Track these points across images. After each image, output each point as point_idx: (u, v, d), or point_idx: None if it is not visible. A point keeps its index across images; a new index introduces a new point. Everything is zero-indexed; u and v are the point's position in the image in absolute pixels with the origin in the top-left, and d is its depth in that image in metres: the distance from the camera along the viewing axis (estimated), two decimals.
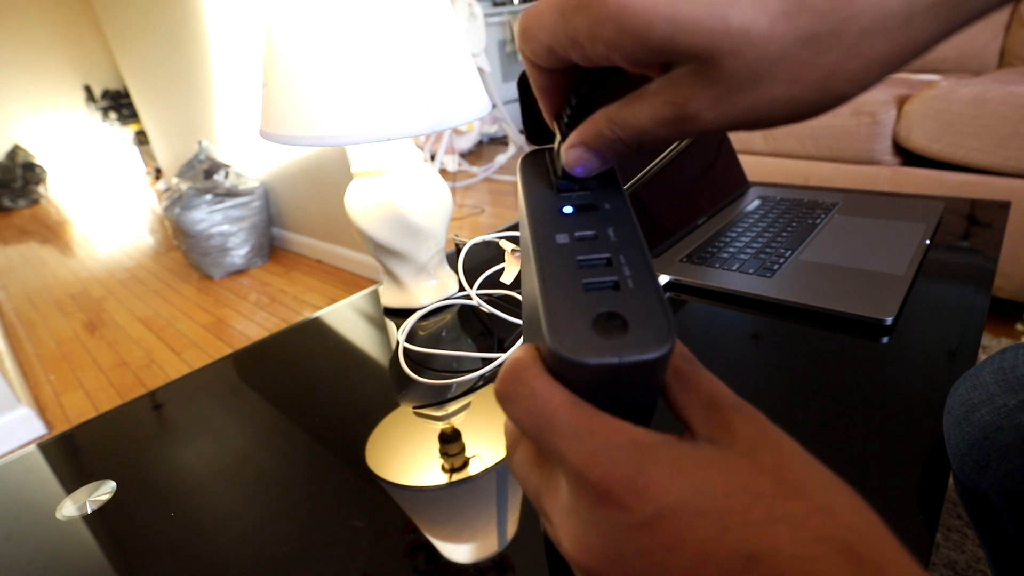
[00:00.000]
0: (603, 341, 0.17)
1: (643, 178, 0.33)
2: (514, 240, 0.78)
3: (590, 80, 0.21)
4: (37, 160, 4.56)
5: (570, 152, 0.21)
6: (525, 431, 0.19)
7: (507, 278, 0.66)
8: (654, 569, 0.16)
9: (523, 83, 0.26)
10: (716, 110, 0.17)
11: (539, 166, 0.24)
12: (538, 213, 0.21)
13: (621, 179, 0.23)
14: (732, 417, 0.18)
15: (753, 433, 0.18)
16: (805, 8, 0.15)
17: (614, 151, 0.20)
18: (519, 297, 0.67)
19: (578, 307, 0.18)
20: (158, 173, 4.45)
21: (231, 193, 2.23)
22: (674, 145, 0.28)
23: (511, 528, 0.37)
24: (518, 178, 0.23)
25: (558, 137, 0.22)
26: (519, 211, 0.24)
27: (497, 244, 0.83)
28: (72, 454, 0.50)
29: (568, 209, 0.22)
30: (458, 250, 0.74)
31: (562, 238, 0.20)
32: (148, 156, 4.81)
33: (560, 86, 0.22)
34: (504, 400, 0.19)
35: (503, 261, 0.76)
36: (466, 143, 3.40)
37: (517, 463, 0.21)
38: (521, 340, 0.57)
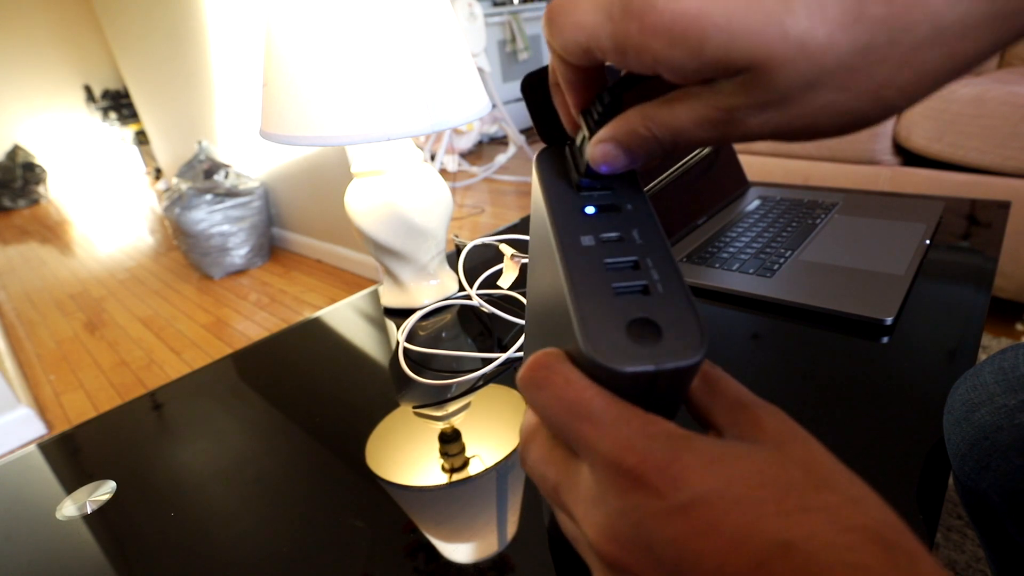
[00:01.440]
0: (639, 348, 0.17)
1: (662, 182, 0.33)
2: (513, 244, 0.78)
3: (628, 81, 0.20)
4: (37, 160, 4.56)
5: (598, 148, 0.20)
6: (550, 418, 0.19)
7: (505, 282, 0.66)
8: (685, 557, 0.16)
9: (528, 84, 0.25)
10: (763, 117, 0.17)
11: (557, 163, 0.23)
12: (560, 213, 0.21)
13: (639, 177, 0.23)
14: (760, 415, 0.19)
15: (781, 429, 0.18)
16: (862, 18, 0.15)
17: (646, 150, 0.20)
18: (519, 297, 0.67)
19: (610, 312, 0.18)
20: (158, 173, 4.45)
21: (231, 193, 2.23)
22: (699, 150, 0.28)
23: (511, 528, 0.37)
24: (534, 175, 0.23)
25: (583, 132, 0.22)
26: (533, 208, 0.23)
27: (497, 246, 0.83)
28: (72, 454, 0.50)
29: (591, 209, 0.21)
30: (458, 250, 0.74)
31: (587, 240, 0.20)
32: (148, 156, 4.81)
33: (590, 81, 0.21)
34: (531, 387, 0.19)
35: (503, 261, 0.76)
36: (466, 143, 3.40)
37: (532, 461, 0.21)
38: (523, 340, 0.57)
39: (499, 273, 0.73)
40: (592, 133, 0.21)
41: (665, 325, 0.18)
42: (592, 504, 0.18)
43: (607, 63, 0.19)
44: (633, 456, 0.17)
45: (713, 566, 0.15)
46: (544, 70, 0.25)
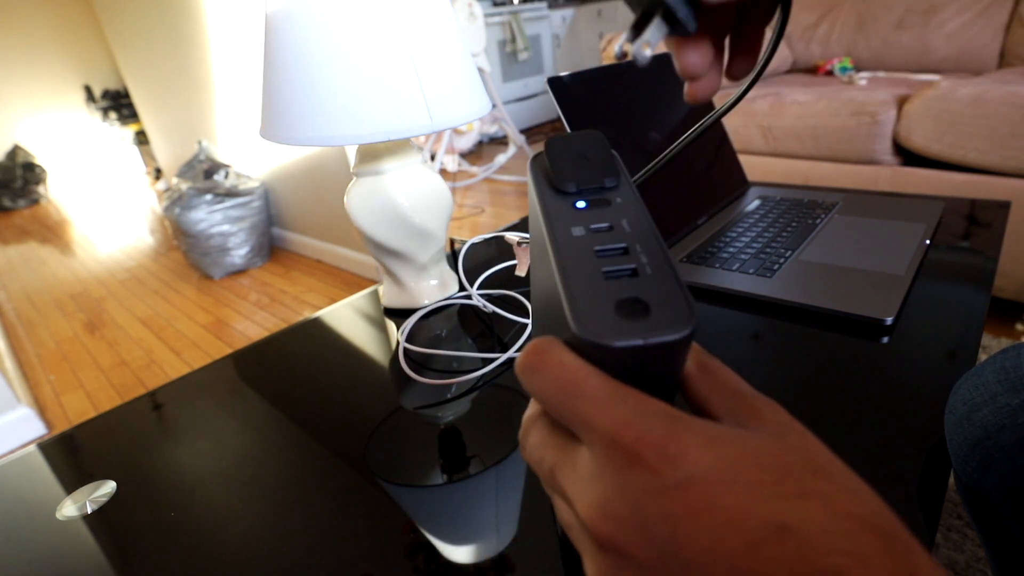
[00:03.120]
0: (627, 324, 0.17)
1: (651, 171, 0.33)
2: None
3: None
4: (37, 160, 4.56)
5: None
6: (548, 401, 0.19)
7: (521, 270, 0.66)
8: (679, 536, 0.15)
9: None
10: None
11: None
12: (552, 208, 0.22)
13: (629, 175, 0.24)
14: (758, 405, 0.19)
15: (780, 420, 0.18)
16: None
17: None
18: (519, 297, 0.67)
19: (599, 294, 0.18)
20: (158, 173, 4.45)
21: (231, 193, 2.22)
22: (684, 137, 0.28)
23: (511, 528, 0.37)
24: (529, 177, 0.24)
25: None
26: (530, 210, 0.24)
27: (497, 242, 0.83)
28: (72, 454, 0.50)
29: (581, 204, 0.22)
30: (458, 251, 0.74)
31: (578, 230, 0.21)
32: (148, 156, 4.81)
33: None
34: (529, 372, 0.19)
35: (504, 260, 0.76)
36: (466, 143, 3.40)
37: (531, 446, 0.21)
38: (524, 339, 0.57)
39: (501, 272, 0.73)
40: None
41: (653, 303, 0.18)
42: (588, 482, 0.18)
43: None
44: (630, 433, 0.17)
45: (706, 545, 0.15)
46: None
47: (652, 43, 0.22)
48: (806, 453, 0.17)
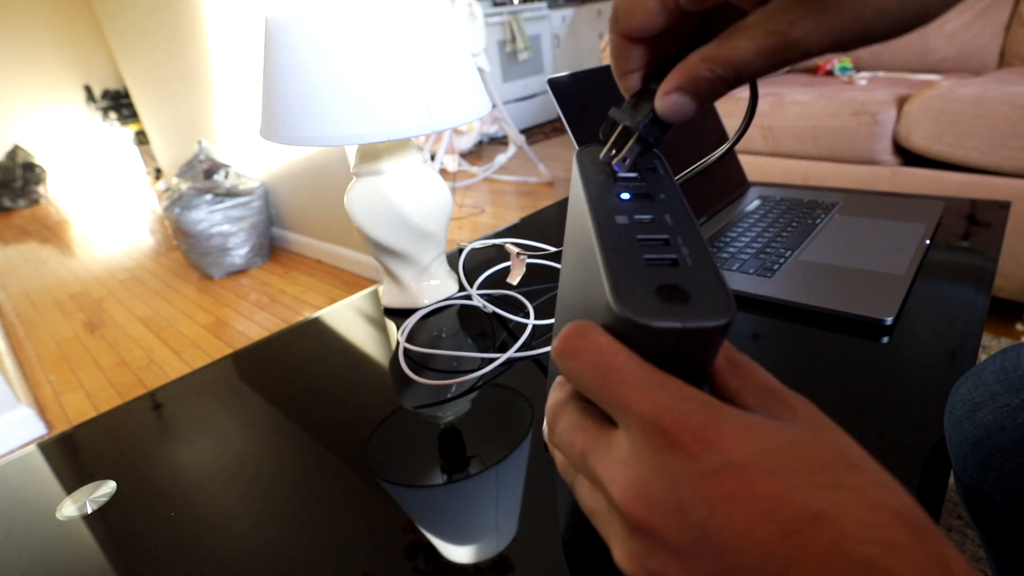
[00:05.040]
0: (667, 307, 0.18)
1: (696, 171, 0.33)
2: (516, 244, 0.78)
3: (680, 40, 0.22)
4: (37, 160, 4.56)
5: (665, 100, 0.21)
6: (586, 385, 0.19)
7: (514, 279, 0.66)
8: (714, 520, 0.15)
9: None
10: (822, 31, 0.17)
11: (595, 159, 0.25)
12: (597, 198, 0.22)
13: (672, 172, 0.25)
14: (791, 400, 0.19)
15: (812, 415, 0.19)
16: None
17: (712, 90, 0.20)
18: (520, 297, 0.67)
19: (640, 277, 0.19)
20: (158, 173, 4.45)
21: (231, 193, 2.22)
22: (734, 137, 0.29)
23: (511, 528, 0.37)
24: (574, 168, 0.25)
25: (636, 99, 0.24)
26: (571, 199, 0.25)
27: (497, 246, 0.83)
28: (72, 454, 0.50)
29: (625, 195, 0.23)
30: (459, 250, 0.74)
31: (622, 219, 0.21)
32: (148, 156, 4.81)
33: (648, 51, 0.23)
34: (566, 356, 0.19)
35: (504, 260, 0.76)
36: (466, 143, 3.40)
37: (561, 430, 0.21)
38: (527, 333, 0.57)
39: (501, 272, 0.73)
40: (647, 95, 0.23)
41: (693, 291, 0.18)
42: (624, 465, 0.18)
43: (675, 15, 0.20)
44: (669, 417, 0.17)
45: (742, 531, 0.15)
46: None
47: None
48: (839, 447, 0.17)
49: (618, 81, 0.24)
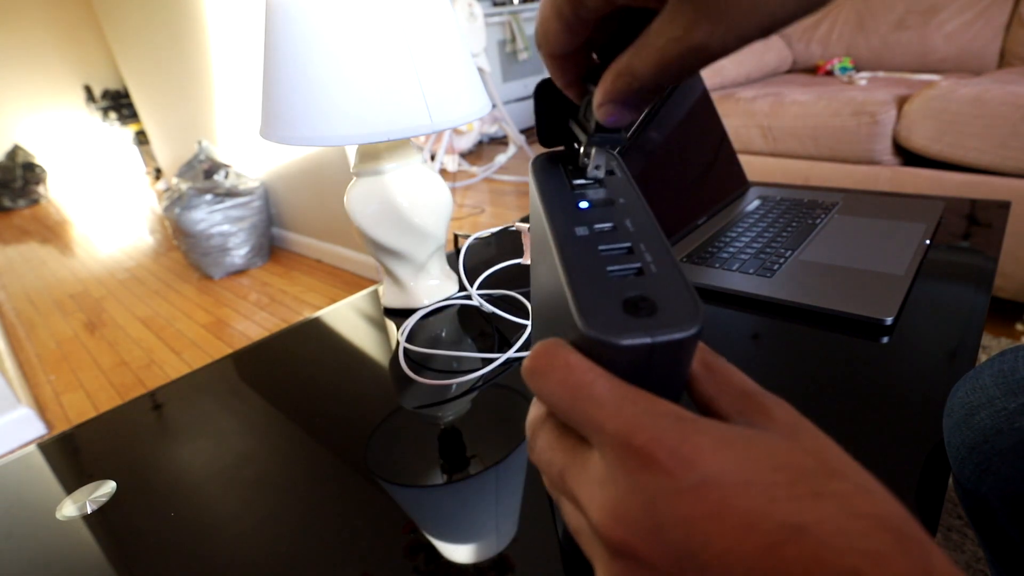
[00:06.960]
0: (634, 322, 0.17)
1: (642, 127, 0.33)
2: (520, 232, 0.78)
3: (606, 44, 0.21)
4: (37, 160, 4.56)
5: (600, 110, 0.21)
6: (556, 405, 0.18)
7: (527, 259, 0.66)
8: (694, 538, 0.15)
9: (540, 90, 0.27)
10: (720, 31, 0.16)
11: (552, 167, 0.25)
12: (555, 209, 0.22)
13: (630, 174, 0.24)
14: (768, 404, 0.19)
15: (791, 420, 0.18)
16: None
17: (638, 98, 0.20)
18: (519, 297, 0.67)
19: (606, 292, 0.18)
20: (158, 173, 4.45)
21: (231, 193, 2.22)
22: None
23: (511, 528, 0.37)
24: (531, 177, 0.24)
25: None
26: (531, 212, 0.24)
27: (498, 242, 0.83)
28: (72, 454, 0.50)
29: (584, 204, 0.22)
30: (458, 249, 0.74)
31: (582, 231, 0.21)
32: (148, 156, 4.81)
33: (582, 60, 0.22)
34: (536, 375, 0.19)
35: (504, 260, 0.76)
36: (466, 143, 3.40)
37: (539, 449, 0.21)
38: (524, 339, 0.57)
39: (501, 272, 0.73)
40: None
41: (660, 301, 0.18)
42: (600, 486, 0.17)
43: (594, 17, 0.20)
44: (642, 435, 0.16)
45: (723, 548, 0.15)
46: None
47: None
48: (819, 453, 0.17)
49: (564, 92, 0.24)
